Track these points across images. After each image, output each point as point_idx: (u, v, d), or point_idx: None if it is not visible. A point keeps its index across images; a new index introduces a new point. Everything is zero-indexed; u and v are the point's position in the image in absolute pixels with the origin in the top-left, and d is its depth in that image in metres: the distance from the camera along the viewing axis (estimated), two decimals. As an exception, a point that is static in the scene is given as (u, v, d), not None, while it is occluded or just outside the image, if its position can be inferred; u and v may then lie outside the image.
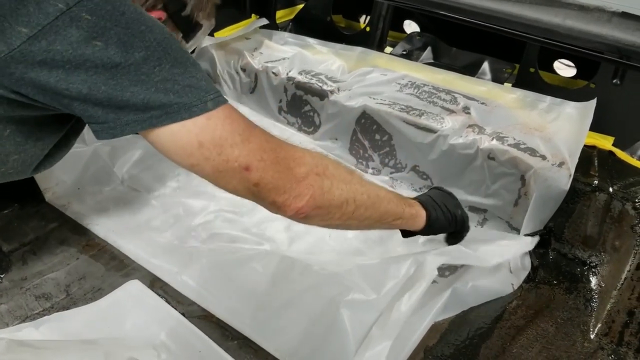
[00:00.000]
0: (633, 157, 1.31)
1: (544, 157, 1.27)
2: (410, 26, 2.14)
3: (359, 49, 1.76)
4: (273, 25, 2.00)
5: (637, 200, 1.17)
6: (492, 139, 1.35)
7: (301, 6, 2.10)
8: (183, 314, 1.11)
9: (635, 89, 1.35)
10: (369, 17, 1.94)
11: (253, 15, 2.01)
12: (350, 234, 1.36)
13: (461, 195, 1.40)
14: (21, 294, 1.17)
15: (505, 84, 1.63)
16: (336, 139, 1.65)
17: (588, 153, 1.29)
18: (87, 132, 1.44)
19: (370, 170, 1.59)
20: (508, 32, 1.25)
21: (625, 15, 0.99)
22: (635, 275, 1.10)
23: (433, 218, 1.07)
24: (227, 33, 1.88)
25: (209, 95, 0.77)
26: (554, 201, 1.22)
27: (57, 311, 1.11)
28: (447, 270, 1.20)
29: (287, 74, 1.72)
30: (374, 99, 1.55)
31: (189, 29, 1.08)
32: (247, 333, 1.10)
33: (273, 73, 1.75)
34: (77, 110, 0.77)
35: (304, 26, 2.04)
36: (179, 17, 1.03)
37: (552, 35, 1.13)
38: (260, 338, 1.08)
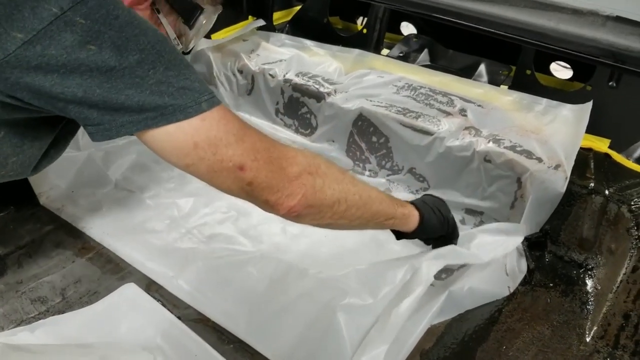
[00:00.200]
0: (629, 160, 1.31)
1: (540, 160, 1.27)
2: (407, 28, 2.15)
3: (356, 51, 1.76)
4: (270, 27, 2.00)
5: (632, 203, 1.17)
6: (489, 142, 1.35)
7: (298, 7, 2.10)
8: (179, 318, 1.11)
9: (631, 92, 1.35)
10: (366, 19, 1.94)
11: (250, 16, 2.01)
12: (345, 235, 1.35)
13: (458, 198, 1.42)
14: (17, 297, 1.17)
15: (502, 86, 1.63)
16: (333, 141, 1.66)
17: (584, 155, 1.29)
18: (81, 137, 1.46)
19: (367, 173, 1.60)
20: (502, 36, 1.25)
21: (619, 20, 0.99)
22: (630, 278, 1.10)
23: (426, 219, 1.07)
24: (224, 35, 1.88)
25: (203, 97, 0.78)
26: (550, 204, 1.22)
27: (53, 315, 1.12)
28: (443, 273, 1.20)
29: (284, 76, 1.72)
30: (370, 101, 1.55)
31: (187, 10, 1.07)
32: (243, 337, 1.10)
33: (270, 75, 1.75)
34: (72, 113, 0.77)
35: (301, 28, 2.03)
36: None
37: (547, 39, 1.14)
38: (256, 342, 1.08)
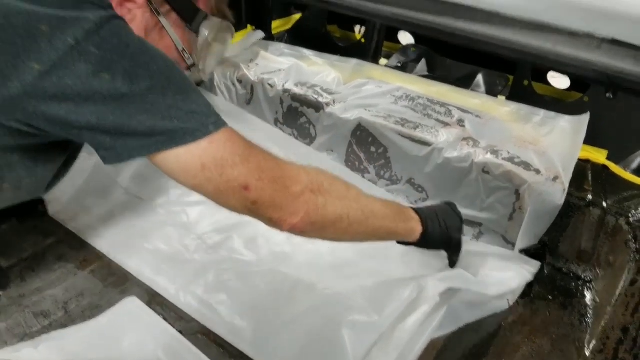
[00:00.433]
0: (626, 171, 1.32)
1: (538, 172, 1.28)
2: (405, 37, 2.15)
3: (354, 61, 1.77)
4: (269, 36, 2.01)
5: (630, 215, 1.18)
6: (487, 153, 1.36)
7: (298, 16, 2.11)
8: (180, 332, 1.12)
9: (628, 103, 1.36)
10: (364, 28, 1.95)
11: (249, 25, 2.01)
12: (347, 246, 1.36)
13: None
14: (20, 311, 1.17)
15: (499, 96, 1.64)
16: (332, 151, 1.66)
17: (582, 167, 1.30)
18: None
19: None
20: (500, 55, 1.27)
21: (614, 42, 1.01)
22: (629, 292, 1.11)
23: (429, 233, 1.10)
24: (223, 44, 1.89)
25: (210, 120, 0.81)
26: (548, 216, 1.23)
27: (56, 329, 1.12)
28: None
29: (283, 85, 1.73)
30: (369, 111, 1.56)
31: (186, 10, 1.08)
32: (247, 351, 1.10)
33: (269, 85, 1.75)
34: (86, 139, 0.80)
35: (299, 37, 2.04)
36: None
37: (544, 61, 1.15)
38: (259, 356, 1.09)
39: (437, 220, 1.12)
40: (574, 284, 1.22)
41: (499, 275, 1.16)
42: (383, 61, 1.90)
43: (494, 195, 1.35)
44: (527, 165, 1.30)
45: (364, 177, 1.61)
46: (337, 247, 1.35)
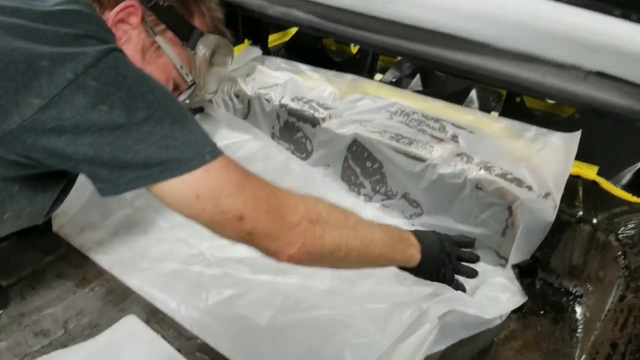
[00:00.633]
0: (617, 187, 1.34)
1: (530, 188, 1.30)
2: (400, 50, 2.18)
3: (349, 76, 1.79)
4: (266, 50, 2.03)
5: (620, 232, 1.19)
6: (480, 169, 1.37)
7: (294, 30, 2.13)
8: (179, 350, 1.14)
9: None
10: (359, 42, 1.97)
11: (246, 40, 2.03)
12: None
13: (451, 224, 1.44)
14: (20, 330, 1.19)
15: (493, 112, 1.66)
16: (328, 165, 1.68)
17: (573, 183, 1.31)
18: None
19: (362, 197, 1.62)
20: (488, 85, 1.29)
21: (600, 75, 1.03)
22: (618, 307, 1.12)
23: (421, 268, 1.12)
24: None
25: (206, 149, 0.81)
26: (540, 232, 1.25)
27: (56, 348, 1.14)
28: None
29: (280, 100, 1.74)
30: (364, 126, 1.58)
31: (180, 26, 1.10)
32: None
33: (266, 100, 1.77)
34: (83, 171, 0.81)
35: (296, 50, 2.07)
36: (159, 9, 1.06)
37: (532, 91, 1.17)
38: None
39: (437, 256, 1.14)
40: (565, 299, 1.24)
41: (496, 296, 1.18)
42: (378, 76, 1.92)
43: (487, 211, 1.37)
44: (519, 182, 1.32)
45: (360, 191, 1.63)
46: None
